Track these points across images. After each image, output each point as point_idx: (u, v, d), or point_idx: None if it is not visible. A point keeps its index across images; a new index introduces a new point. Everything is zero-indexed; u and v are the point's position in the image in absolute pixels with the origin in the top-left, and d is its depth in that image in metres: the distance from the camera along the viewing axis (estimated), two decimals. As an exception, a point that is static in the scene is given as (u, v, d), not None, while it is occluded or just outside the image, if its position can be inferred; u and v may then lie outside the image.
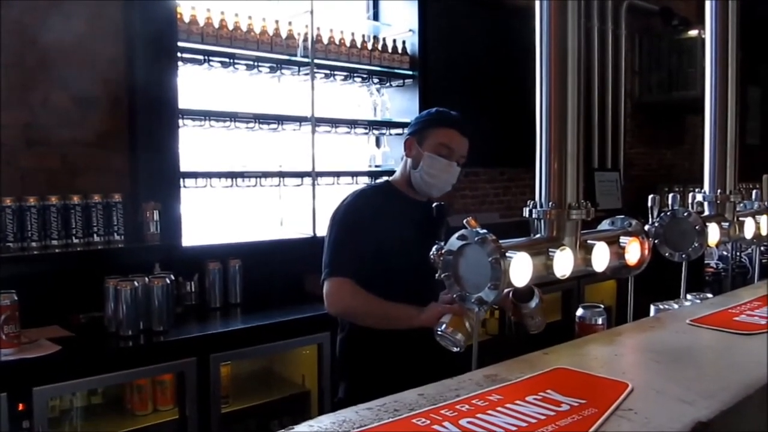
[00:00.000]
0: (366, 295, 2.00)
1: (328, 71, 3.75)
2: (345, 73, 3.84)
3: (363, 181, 3.91)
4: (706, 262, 4.29)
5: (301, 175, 3.63)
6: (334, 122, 3.82)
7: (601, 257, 1.57)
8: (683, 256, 2.03)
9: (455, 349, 1.69)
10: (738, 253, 4.02)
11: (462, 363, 1.67)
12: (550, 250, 1.45)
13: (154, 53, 3.07)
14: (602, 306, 1.78)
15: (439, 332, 1.71)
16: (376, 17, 4.27)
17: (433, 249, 1.47)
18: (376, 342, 2.05)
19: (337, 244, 2.09)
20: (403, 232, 2.06)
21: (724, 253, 4.23)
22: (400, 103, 4.17)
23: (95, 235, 2.88)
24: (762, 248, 2.90)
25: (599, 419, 0.97)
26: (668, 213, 2.05)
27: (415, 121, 2.28)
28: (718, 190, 2.23)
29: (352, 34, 3.88)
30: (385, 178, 2.38)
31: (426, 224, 2.09)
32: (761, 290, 1.95)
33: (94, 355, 2.55)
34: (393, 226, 2.07)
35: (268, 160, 3.63)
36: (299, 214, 3.69)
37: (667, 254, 2.06)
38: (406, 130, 2.29)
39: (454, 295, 1.40)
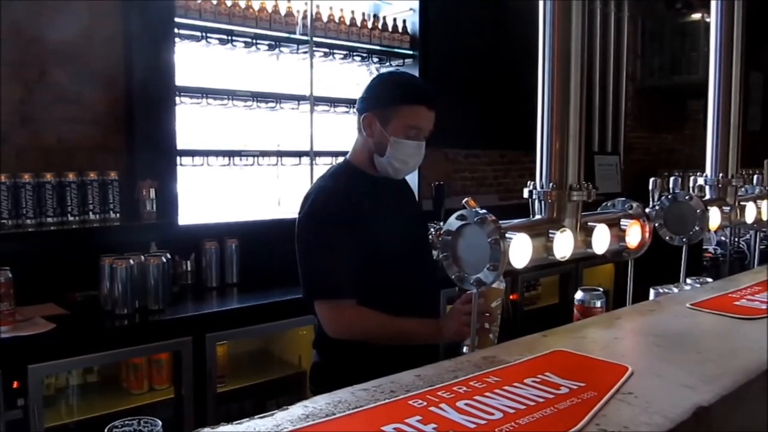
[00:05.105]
0: (374, 316, 1.78)
1: (327, 50, 3.71)
2: (344, 52, 3.80)
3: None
4: (704, 247, 4.28)
5: (299, 154, 3.61)
6: (333, 102, 3.79)
7: (601, 239, 1.55)
8: (683, 239, 2.01)
9: None
10: (736, 239, 4.02)
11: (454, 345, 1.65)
12: (550, 231, 1.43)
13: (151, 29, 3.03)
14: (601, 289, 1.76)
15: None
16: (376, -5, 4.22)
17: (432, 229, 1.44)
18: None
19: (320, 257, 1.83)
20: (380, 217, 1.86)
21: (723, 238, 4.23)
22: (400, 84, 4.12)
23: (91, 213, 2.87)
24: (761, 234, 2.88)
25: (599, 402, 0.96)
26: (669, 196, 2.02)
27: (373, 93, 1.90)
28: (720, 174, 2.20)
29: (352, 12, 3.83)
30: (341, 158, 2.05)
31: (400, 201, 1.98)
32: (761, 275, 1.93)
33: (90, 333, 2.54)
34: (370, 215, 1.85)
35: (266, 139, 3.60)
36: (297, 194, 3.67)
37: (667, 238, 2.04)
38: (359, 99, 1.93)
39: (452, 276, 1.38)
